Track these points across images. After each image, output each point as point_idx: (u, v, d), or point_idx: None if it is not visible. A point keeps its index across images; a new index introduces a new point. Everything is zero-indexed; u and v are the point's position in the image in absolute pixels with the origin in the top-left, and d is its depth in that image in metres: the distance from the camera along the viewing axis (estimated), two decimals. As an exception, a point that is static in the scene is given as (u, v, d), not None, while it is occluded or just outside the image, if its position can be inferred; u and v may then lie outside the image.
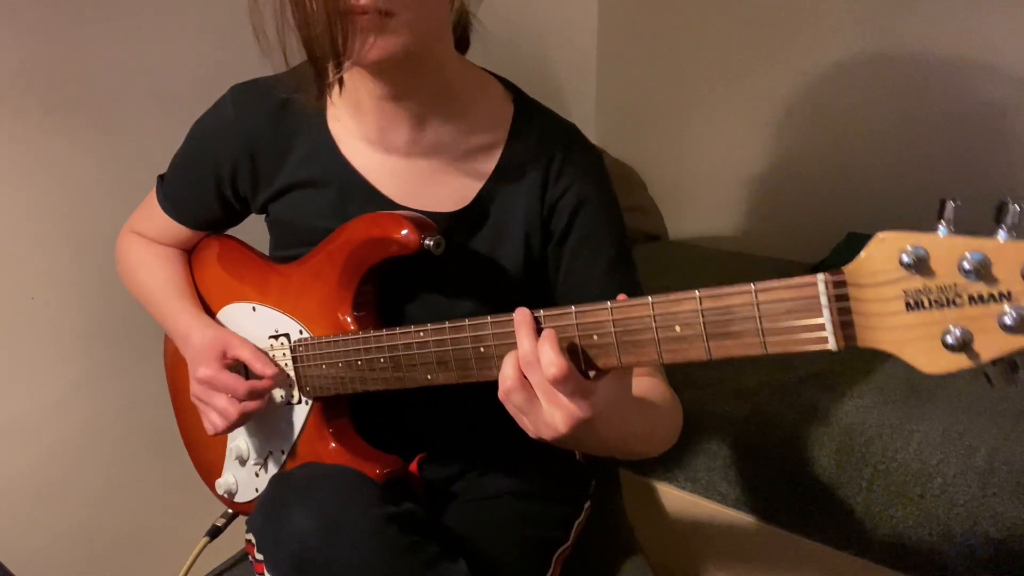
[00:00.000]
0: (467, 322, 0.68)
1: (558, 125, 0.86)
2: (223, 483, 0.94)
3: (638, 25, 2.21)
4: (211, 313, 0.94)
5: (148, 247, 0.98)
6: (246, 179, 0.88)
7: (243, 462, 0.93)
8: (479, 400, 0.73)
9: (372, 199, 0.83)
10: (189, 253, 0.99)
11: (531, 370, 0.61)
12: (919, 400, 1.23)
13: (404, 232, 0.75)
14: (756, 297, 0.52)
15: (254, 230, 0.95)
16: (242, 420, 0.84)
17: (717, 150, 2.12)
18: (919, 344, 0.47)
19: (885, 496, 1.13)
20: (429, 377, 0.72)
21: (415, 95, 0.79)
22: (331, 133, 0.84)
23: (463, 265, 0.83)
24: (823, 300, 0.50)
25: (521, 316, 0.63)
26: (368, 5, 0.65)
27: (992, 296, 0.45)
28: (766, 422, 1.27)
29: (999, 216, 0.45)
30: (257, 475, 0.92)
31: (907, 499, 1.11)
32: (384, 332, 0.74)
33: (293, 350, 0.84)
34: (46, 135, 1.14)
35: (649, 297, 0.57)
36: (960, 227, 0.47)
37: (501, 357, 0.63)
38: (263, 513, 0.73)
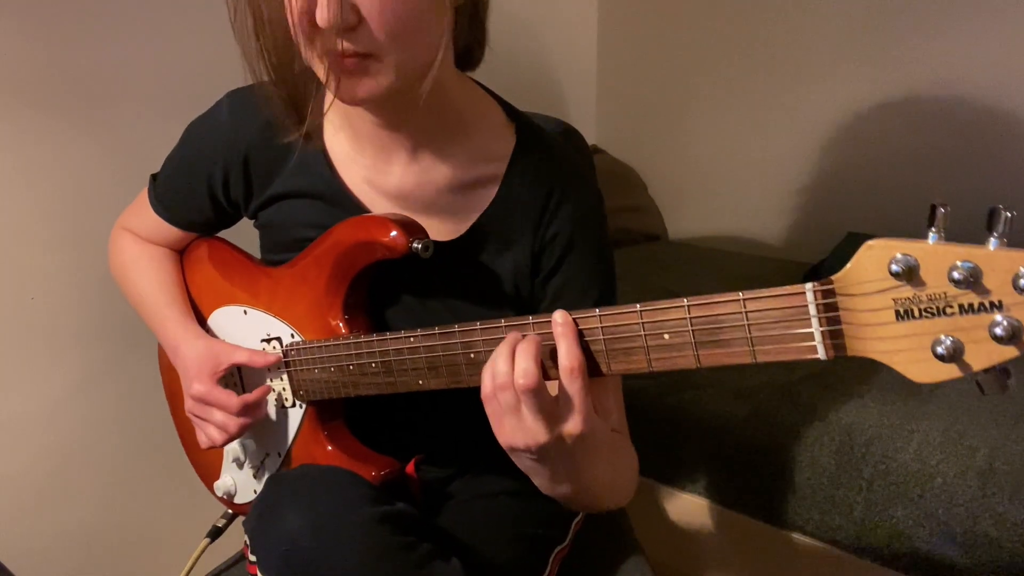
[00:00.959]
0: (456, 328, 0.67)
1: (559, 159, 0.84)
2: (221, 485, 0.94)
3: (638, 25, 2.20)
4: (202, 316, 0.93)
5: (141, 247, 0.97)
6: (239, 185, 0.87)
7: (240, 465, 0.93)
8: (475, 401, 0.73)
9: None
10: (180, 254, 0.99)
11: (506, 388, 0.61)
12: (919, 400, 1.22)
13: (392, 235, 0.74)
14: (744, 306, 0.51)
15: (245, 233, 0.95)
16: (240, 433, 0.84)
17: (717, 150, 2.11)
18: (909, 354, 0.46)
19: (885, 496, 1.13)
20: (421, 382, 0.72)
21: (409, 126, 0.78)
22: (327, 148, 0.83)
23: (451, 287, 0.82)
24: (811, 310, 0.49)
25: (513, 337, 0.63)
26: (350, 49, 0.64)
27: (983, 306, 0.44)
28: (766, 422, 1.27)
29: (990, 223, 0.44)
30: (255, 477, 0.92)
31: (907, 499, 1.11)
32: (375, 337, 0.74)
33: (285, 354, 0.84)
34: (46, 135, 1.14)
35: (637, 305, 0.56)
36: (957, 225, 0.46)
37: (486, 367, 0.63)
38: (257, 513, 0.73)
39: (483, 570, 0.77)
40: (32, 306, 1.16)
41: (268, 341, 0.86)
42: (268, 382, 0.86)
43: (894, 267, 0.46)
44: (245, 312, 0.89)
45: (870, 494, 1.14)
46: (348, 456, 0.82)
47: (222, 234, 0.98)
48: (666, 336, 0.55)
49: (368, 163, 0.82)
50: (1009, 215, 0.44)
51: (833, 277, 0.48)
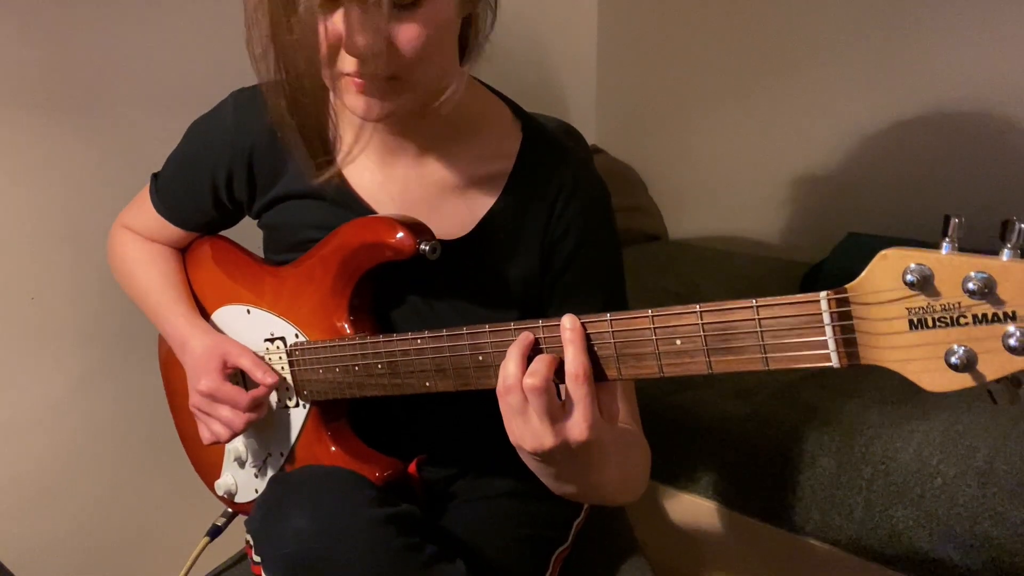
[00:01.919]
0: (465, 330, 0.67)
1: (566, 158, 0.83)
2: (222, 484, 0.94)
3: (638, 25, 2.20)
4: (205, 315, 0.93)
5: (142, 244, 0.97)
6: (242, 185, 0.87)
7: (242, 464, 0.93)
8: (478, 401, 0.73)
9: None
10: (183, 252, 0.98)
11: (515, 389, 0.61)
12: (919, 400, 1.23)
13: (399, 236, 0.74)
14: (758, 313, 0.51)
15: (248, 231, 0.94)
16: (245, 428, 0.84)
17: (717, 150, 2.11)
18: (923, 363, 0.47)
19: (885, 496, 1.13)
20: (428, 384, 0.72)
21: (417, 130, 0.78)
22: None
23: (458, 288, 0.82)
24: (826, 318, 0.49)
25: (524, 338, 0.63)
26: (377, 74, 0.64)
27: (997, 316, 0.44)
28: (766, 422, 1.27)
29: (1004, 234, 0.44)
30: (256, 476, 0.92)
31: (907, 499, 1.11)
32: (381, 338, 0.74)
33: (289, 354, 0.84)
34: (46, 135, 1.13)
35: (649, 310, 0.56)
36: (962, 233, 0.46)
37: (499, 366, 0.63)
38: (260, 514, 0.73)
39: (484, 571, 0.77)
40: (32, 306, 1.16)
41: (272, 341, 0.85)
42: (281, 371, 0.86)
43: (908, 277, 0.46)
44: (249, 311, 0.89)
45: (870, 494, 1.14)
46: (351, 456, 0.82)
47: (225, 233, 0.98)
48: (678, 342, 0.55)
49: (374, 164, 0.81)
50: (1023, 226, 0.44)
51: (847, 286, 0.48)
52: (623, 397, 0.80)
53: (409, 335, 0.72)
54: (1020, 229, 0.44)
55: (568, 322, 0.60)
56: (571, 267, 0.82)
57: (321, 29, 0.63)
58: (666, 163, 2.22)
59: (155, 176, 0.95)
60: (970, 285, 0.44)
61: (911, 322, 0.47)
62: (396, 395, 0.75)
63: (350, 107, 0.68)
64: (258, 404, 0.83)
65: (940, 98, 1.72)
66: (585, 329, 0.60)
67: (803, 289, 0.99)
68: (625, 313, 0.58)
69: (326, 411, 0.85)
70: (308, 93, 0.67)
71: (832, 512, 1.18)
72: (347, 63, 0.64)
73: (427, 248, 0.73)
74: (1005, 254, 0.44)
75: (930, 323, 0.46)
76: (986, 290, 0.44)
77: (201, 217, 0.93)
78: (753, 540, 1.27)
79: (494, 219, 0.81)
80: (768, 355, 0.51)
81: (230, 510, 1.02)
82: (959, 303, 0.45)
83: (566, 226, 0.81)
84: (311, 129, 0.71)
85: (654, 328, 0.56)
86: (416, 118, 0.76)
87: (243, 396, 0.82)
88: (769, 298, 0.51)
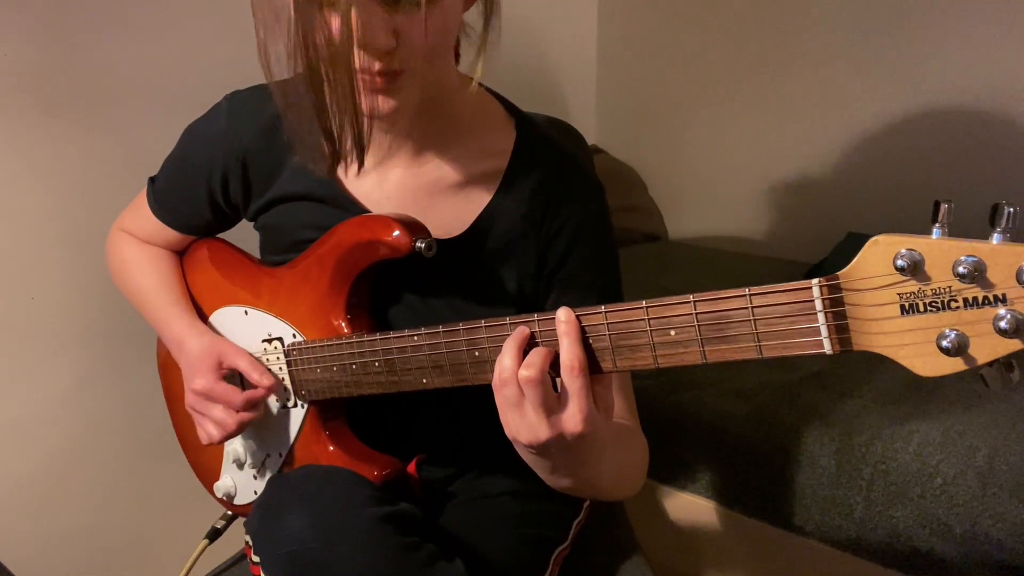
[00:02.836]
0: (461, 326, 0.67)
1: (560, 155, 0.84)
2: (221, 486, 0.94)
3: (638, 25, 2.20)
4: (203, 317, 0.93)
5: (140, 247, 0.97)
6: (237, 188, 0.87)
7: (241, 465, 0.93)
8: (477, 400, 0.73)
9: None
10: (180, 255, 0.99)
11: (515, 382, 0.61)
12: (919, 400, 1.23)
13: (395, 234, 0.74)
14: (751, 301, 0.52)
15: (245, 233, 0.95)
16: (239, 430, 0.84)
17: (717, 150, 2.12)
18: (914, 348, 0.47)
19: (885, 496, 1.13)
20: (425, 381, 0.72)
21: (415, 131, 0.79)
22: None
23: (455, 286, 0.82)
24: (817, 304, 0.49)
25: (520, 332, 0.63)
26: (385, 69, 0.65)
27: (987, 299, 0.44)
28: (766, 422, 1.27)
29: (993, 219, 0.45)
30: (255, 478, 0.92)
31: (907, 499, 1.11)
32: (378, 336, 0.74)
33: (287, 354, 0.84)
34: (46, 136, 1.14)
35: (643, 302, 0.56)
36: (958, 226, 0.46)
37: (496, 361, 0.63)
38: (260, 514, 0.73)
39: (484, 570, 0.77)
40: (32, 306, 1.16)
41: (269, 341, 0.86)
42: (278, 371, 0.86)
43: (899, 262, 0.46)
44: (246, 312, 0.89)
45: (870, 494, 1.14)
46: (350, 456, 0.82)
47: (222, 234, 0.98)
48: (672, 332, 0.55)
49: (369, 164, 0.82)
50: (1012, 210, 0.44)
51: (839, 272, 0.49)
52: (620, 391, 0.80)
53: (406, 332, 0.72)
54: (1009, 213, 0.44)
55: (563, 315, 0.60)
56: (566, 263, 0.82)
57: (336, 24, 0.63)
58: (666, 163, 2.22)
59: (152, 180, 0.95)
60: (960, 269, 0.44)
61: (902, 307, 0.47)
62: (394, 393, 0.75)
63: (360, 107, 0.68)
64: (252, 405, 0.83)
65: (940, 98, 1.72)
66: (580, 322, 0.60)
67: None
68: (620, 305, 0.58)
69: (324, 411, 0.85)
70: (341, 87, 0.66)
71: (832, 512, 1.18)
72: (361, 59, 0.65)
73: (423, 246, 0.73)
74: (995, 238, 0.44)
75: (921, 308, 0.46)
76: (976, 274, 0.44)
77: (198, 220, 0.93)
78: (753, 540, 1.27)
79: (489, 217, 0.81)
80: (761, 343, 0.52)
81: (229, 512, 1.01)
82: (950, 287, 0.45)
83: (561, 222, 0.81)
84: (330, 127, 0.72)
85: (648, 319, 0.56)
86: (417, 116, 0.76)
87: (237, 395, 0.82)
88: (762, 287, 0.51)
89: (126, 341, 1.25)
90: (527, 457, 0.67)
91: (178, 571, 1.04)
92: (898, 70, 1.76)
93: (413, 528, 0.72)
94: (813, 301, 0.49)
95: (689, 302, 0.55)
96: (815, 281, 0.49)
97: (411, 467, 0.84)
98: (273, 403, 0.86)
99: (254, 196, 0.87)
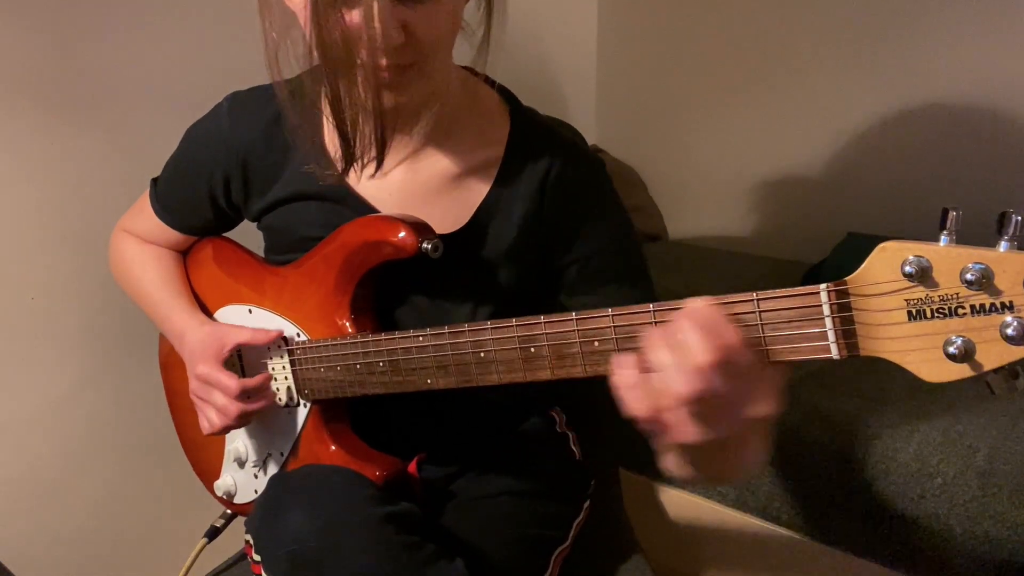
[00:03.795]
0: (467, 327, 0.67)
1: (555, 139, 0.84)
2: (222, 485, 0.94)
3: (638, 25, 2.20)
4: (208, 315, 0.93)
5: (142, 246, 0.97)
6: (239, 189, 0.87)
7: (242, 464, 0.93)
8: (478, 400, 0.73)
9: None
10: (184, 254, 0.99)
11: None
12: (919, 400, 1.23)
13: (401, 235, 0.74)
14: (758, 305, 0.52)
15: (250, 231, 0.95)
16: (242, 420, 0.84)
17: (717, 150, 2.12)
18: (921, 354, 0.47)
19: (885, 496, 1.13)
20: (429, 382, 0.72)
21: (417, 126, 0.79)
22: (327, 147, 0.83)
23: (459, 280, 0.82)
24: (825, 310, 0.50)
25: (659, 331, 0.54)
26: (394, 64, 0.66)
27: (994, 307, 0.45)
28: (766, 422, 1.27)
29: (1001, 227, 0.45)
30: (256, 476, 0.92)
31: (907, 499, 1.11)
32: (383, 336, 0.74)
33: (291, 353, 0.84)
34: (47, 135, 1.13)
35: (650, 304, 0.56)
36: (961, 230, 0.46)
37: (501, 362, 0.63)
38: (261, 513, 0.73)
39: (484, 570, 0.77)
40: (32, 306, 1.16)
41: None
42: (270, 370, 0.86)
43: (907, 268, 0.46)
44: (251, 311, 0.89)
45: (870, 494, 1.14)
46: (351, 455, 0.82)
47: (227, 233, 0.98)
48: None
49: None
50: (1019, 219, 0.45)
51: (847, 278, 0.49)
52: None
53: (411, 332, 0.72)
54: (1016, 221, 0.44)
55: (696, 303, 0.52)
56: (575, 245, 0.82)
57: (353, 19, 0.63)
58: (666, 163, 2.22)
59: (154, 181, 0.95)
60: (968, 276, 0.45)
61: (910, 313, 0.47)
62: (397, 393, 0.75)
63: (372, 102, 0.68)
64: (250, 392, 0.83)
65: (940, 98, 1.72)
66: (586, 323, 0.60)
67: (803, 289, 1.00)
68: (624, 308, 0.58)
69: (327, 411, 0.85)
70: (362, 83, 0.66)
71: (832, 512, 1.18)
72: (371, 54, 0.65)
73: (429, 247, 0.73)
74: (1002, 245, 0.45)
75: (928, 314, 0.46)
76: (984, 281, 0.44)
77: (200, 221, 0.93)
78: (753, 540, 1.27)
79: (489, 208, 0.81)
80: (768, 347, 0.52)
81: (229, 511, 1.02)
82: (957, 294, 0.45)
83: (563, 204, 0.81)
84: (346, 127, 0.71)
85: (655, 323, 0.57)
86: (425, 110, 0.76)
87: (234, 382, 0.82)
88: (769, 291, 0.51)
89: (126, 341, 1.25)
90: (760, 433, 0.57)
91: (177, 570, 1.04)
92: (899, 70, 1.76)
93: (414, 528, 0.72)
94: (821, 306, 0.50)
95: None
96: (823, 286, 0.50)
97: (412, 467, 0.84)
98: (276, 402, 0.87)
99: (255, 197, 0.87)
